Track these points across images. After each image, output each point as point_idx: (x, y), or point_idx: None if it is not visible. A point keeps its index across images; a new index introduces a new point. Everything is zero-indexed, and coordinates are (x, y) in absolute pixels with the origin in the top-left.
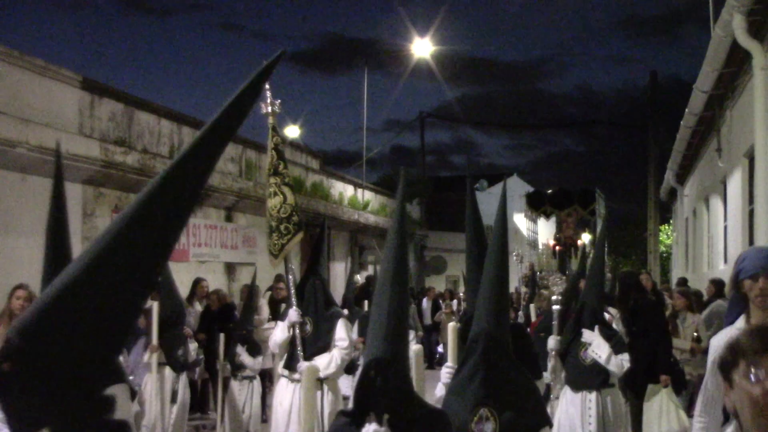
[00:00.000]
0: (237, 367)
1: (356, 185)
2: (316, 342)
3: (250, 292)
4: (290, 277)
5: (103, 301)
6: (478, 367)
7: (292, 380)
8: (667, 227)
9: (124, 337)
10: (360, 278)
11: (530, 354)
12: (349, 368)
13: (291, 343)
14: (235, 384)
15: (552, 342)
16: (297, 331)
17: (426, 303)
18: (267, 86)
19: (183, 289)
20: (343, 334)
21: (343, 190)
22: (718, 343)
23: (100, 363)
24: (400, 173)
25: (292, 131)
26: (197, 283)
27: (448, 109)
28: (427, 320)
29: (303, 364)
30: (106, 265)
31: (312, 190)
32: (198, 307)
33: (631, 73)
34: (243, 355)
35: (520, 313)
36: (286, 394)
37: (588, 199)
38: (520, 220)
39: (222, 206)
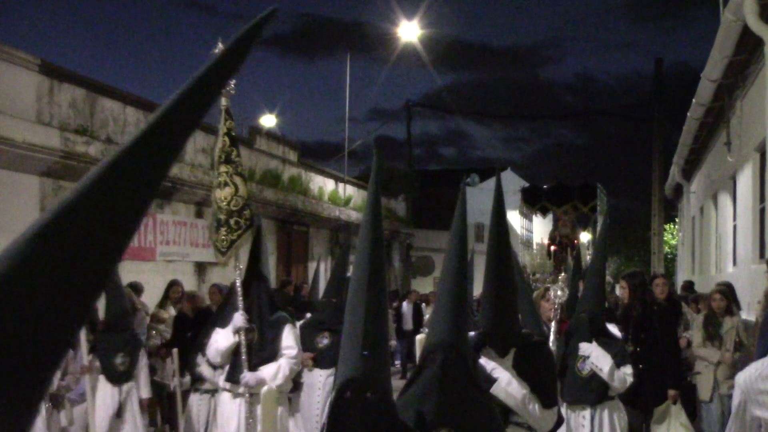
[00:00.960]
0: (196, 379)
1: (337, 179)
2: (262, 351)
3: (229, 293)
4: (238, 278)
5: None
6: (435, 383)
7: (236, 394)
8: (672, 226)
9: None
10: None
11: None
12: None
13: (235, 352)
14: (193, 398)
15: None
16: (242, 338)
17: (407, 306)
18: None
19: (154, 293)
20: (290, 341)
21: (323, 184)
22: (747, 381)
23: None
24: (374, 154)
25: (268, 120)
26: (171, 286)
27: (437, 97)
28: (408, 325)
29: (247, 375)
30: (38, 262)
31: (289, 185)
32: (173, 311)
33: (635, 59)
34: (203, 366)
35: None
36: (231, 411)
37: (589, 194)
38: (514, 218)
39: (192, 201)
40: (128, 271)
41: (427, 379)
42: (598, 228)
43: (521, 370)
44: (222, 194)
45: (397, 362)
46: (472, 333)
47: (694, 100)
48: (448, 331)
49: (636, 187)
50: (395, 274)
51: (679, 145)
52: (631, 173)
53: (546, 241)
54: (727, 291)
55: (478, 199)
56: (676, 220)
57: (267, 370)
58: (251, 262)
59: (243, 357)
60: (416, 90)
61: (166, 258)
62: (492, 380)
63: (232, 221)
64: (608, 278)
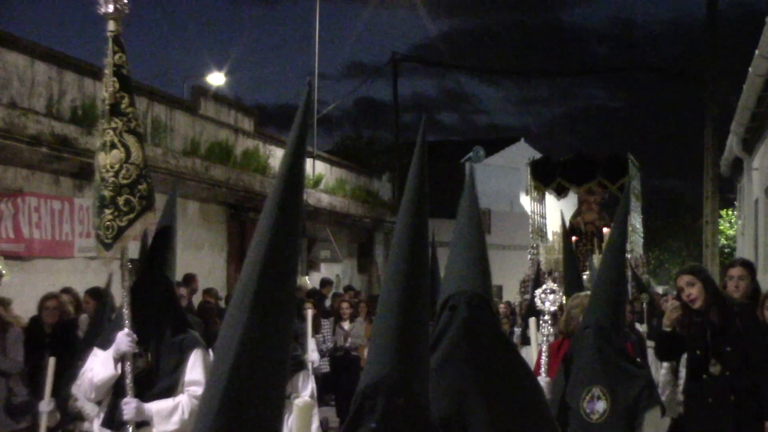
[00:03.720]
0: (71, 418)
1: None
2: (156, 382)
3: (103, 300)
4: (125, 280)
5: None
6: None
7: None
8: (729, 212)
9: None
10: (308, 282)
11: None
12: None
13: (117, 384)
14: None
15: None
16: (128, 367)
17: None
18: None
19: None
20: (197, 373)
21: None
22: None
23: None
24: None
25: (216, 79)
26: (45, 300)
27: (431, 48)
28: None
29: (131, 405)
30: None
31: (243, 161)
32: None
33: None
34: (81, 401)
35: (516, 331)
36: None
37: (618, 168)
38: (526, 201)
39: None
40: (39, 271)
41: None
42: (619, 208)
43: None
44: (108, 160)
45: None
46: None
47: (757, 51)
48: (391, 366)
49: (684, 163)
50: (378, 274)
51: (739, 109)
52: (677, 145)
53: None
54: None
55: (483, 178)
56: (735, 204)
57: (158, 406)
58: (152, 256)
59: (129, 395)
60: (405, 39)
61: (86, 254)
62: None
63: (120, 200)
64: (645, 277)
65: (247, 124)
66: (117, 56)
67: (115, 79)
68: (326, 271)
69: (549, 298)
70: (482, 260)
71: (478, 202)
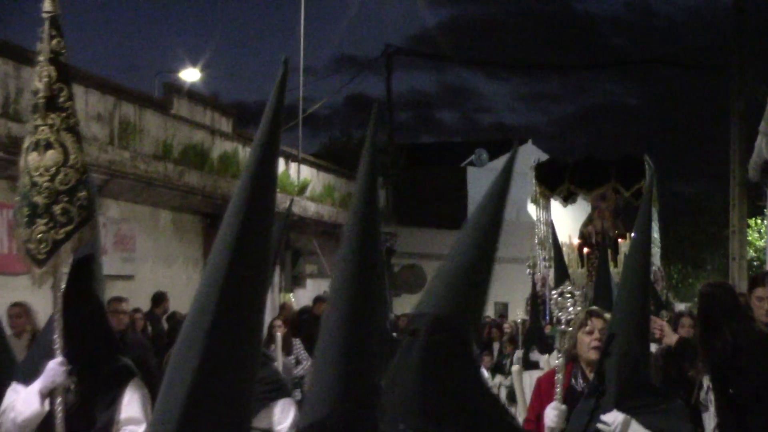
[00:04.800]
0: None
1: (289, 157)
2: (89, 420)
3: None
4: (58, 303)
5: None
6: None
7: None
8: (758, 221)
9: None
10: (293, 300)
11: None
12: None
13: (45, 423)
14: None
15: (550, 417)
16: (58, 403)
17: None
18: None
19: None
20: (135, 409)
21: None
22: None
23: None
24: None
25: (191, 75)
26: None
27: (429, 40)
28: None
29: None
30: None
31: (221, 165)
32: None
33: None
34: None
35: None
36: None
37: (632, 171)
38: (533, 209)
39: None
40: None
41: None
42: (639, 217)
43: None
44: (42, 162)
45: None
46: None
47: None
48: (332, 405)
49: (708, 166)
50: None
51: None
52: (701, 146)
53: (575, 241)
54: None
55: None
56: (765, 212)
57: None
58: (75, 273)
59: None
60: (400, 30)
61: None
62: None
63: (57, 209)
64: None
65: (224, 124)
66: (55, 41)
67: (52, 67)
68: (313, 287)
69: (568, 302)
70: (469, 276)
71: (501, 211)
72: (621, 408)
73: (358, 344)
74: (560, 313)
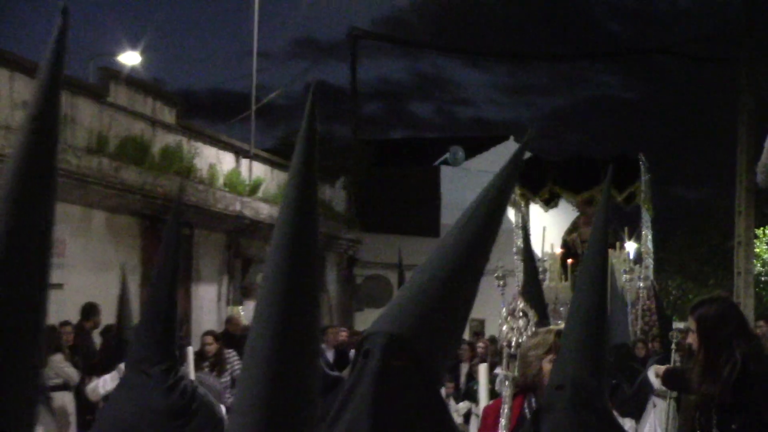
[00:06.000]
0: None
1: (239, 152)
2: None
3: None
4: None
5: None
6: None
7: None
8: (767, 232)
9: None
10: (243, 313)
11: None
12: None
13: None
14: None
15: None
16: None
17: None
18: None
19: None
20: None
21: (216, 160)
22: None
23: None
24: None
25: (131, 58)
26: None
27: (401, 23)
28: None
29: None
30: None
31: (162, 160)
32: None
33: None
34: None
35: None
36: None
37: (626, 173)
38: (512, 213)
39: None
40: None
41: None
42: (598, 215)
43: None
44: None
45: None
46: None
47: None
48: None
49: (712, 169)
50: (330, 303)
51: None
52: (704, 146)
53: (558, 250)
54: None
55: (461, 185)
56: None
57: None
58: None
59: None
60: (367, 11)
61: None
62: None
63: None
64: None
65: (167, 114)
66: None
67: None
68: None
69: (519, 324)
70: (444, 291)
71: (497, 217)
72: None
73: (282, 381)
74: (510, 334)
